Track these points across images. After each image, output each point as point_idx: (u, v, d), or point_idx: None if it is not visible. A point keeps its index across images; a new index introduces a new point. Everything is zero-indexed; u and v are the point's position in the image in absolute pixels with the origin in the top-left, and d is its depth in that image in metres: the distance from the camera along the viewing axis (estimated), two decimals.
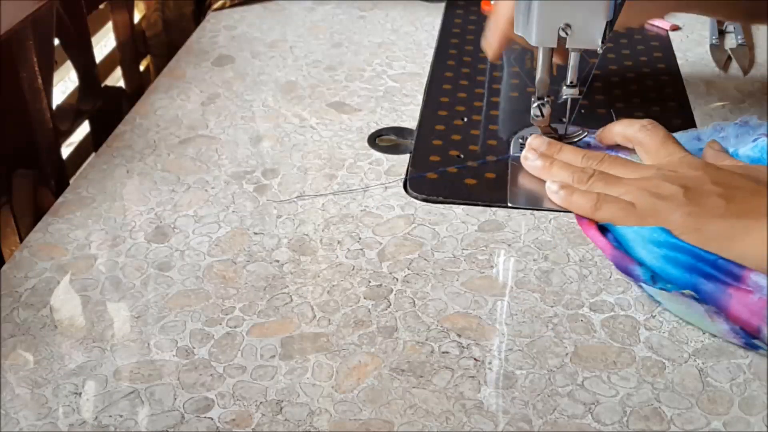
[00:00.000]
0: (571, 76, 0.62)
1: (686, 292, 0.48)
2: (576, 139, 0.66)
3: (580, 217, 0.57)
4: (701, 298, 0.49)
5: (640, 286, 0.52)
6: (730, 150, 0.60)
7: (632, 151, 0.62)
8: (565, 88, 0.63)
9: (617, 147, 0.63)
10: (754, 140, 0.59)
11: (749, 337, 0.47)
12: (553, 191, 0.59)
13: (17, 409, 0.45)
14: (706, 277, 0.49)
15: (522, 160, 0.63)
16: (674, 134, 0.63)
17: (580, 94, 0.62)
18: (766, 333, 0.47)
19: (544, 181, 0.61)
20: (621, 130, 0.62)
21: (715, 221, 0.51)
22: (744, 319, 0.48)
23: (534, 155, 0.62)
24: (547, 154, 0.62)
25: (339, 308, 0.52)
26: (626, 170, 0.58)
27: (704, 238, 0.51)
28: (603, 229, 0.56)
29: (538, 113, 0.64)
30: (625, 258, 0.52)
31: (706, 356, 0.48)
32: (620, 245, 0.54)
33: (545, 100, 0.64)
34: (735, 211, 0.51)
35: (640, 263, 0.52)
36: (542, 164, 0.62)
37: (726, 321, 0.47)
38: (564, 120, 0.66)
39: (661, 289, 0.50)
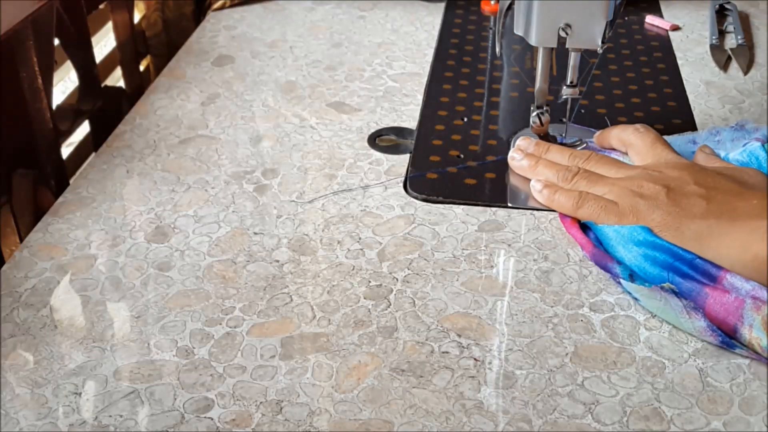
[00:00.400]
0: (571, 76, 0.62)
1: (666, 285, 0.49)
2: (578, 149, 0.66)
3: (563, 216, 0.58)
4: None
5: (619, 284, 0.52)
6: (723, 154, 0.60)
7: (626, 154, 0.63)
8: (564, 87, 0.63)
9: (612, 150, 0.64)
10: (744, 145, 0.60)
11: (726, 336, 0.47)
12: (536, 190, 0.60)
13: (17, 409, 0.45)
14: (683, 276, 0.50)
15: (509, 161, 0.64)
16: (670, 137, 0.63)
17: (579, 94, 0.63)
18: (742, 332, 0.47)
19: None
20: (616, 133, 0.63)
21: (694, 221, 0.52)
22: (720, 319, 0.48)
23: (520, 155, 0.63)
24: (533, 153, 0.63)
25: (339, 308, 0.52)
26: (611, 169, 0.59)
27: (683, 236, 0.52)
28: (585, 228, 0.57)
29: (537, 122, 0.65)
30: (605, 256, 0.53)
31: (706, 356, 0.48)
32: (601, 244, 0.55)
33: (544, 109, 0.64)
34: (715, 212, 0.52)
35: (619, 262, 0.52)
36: (528, 163, 0.62)
37: (703, 317, 0.48)
38: (564, 120, 0.66)
39: (641, 284, 0.50)
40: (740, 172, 0.56)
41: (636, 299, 0.51)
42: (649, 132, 0.61)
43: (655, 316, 0.51)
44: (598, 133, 0.65)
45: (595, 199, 0.56)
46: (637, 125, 0.62)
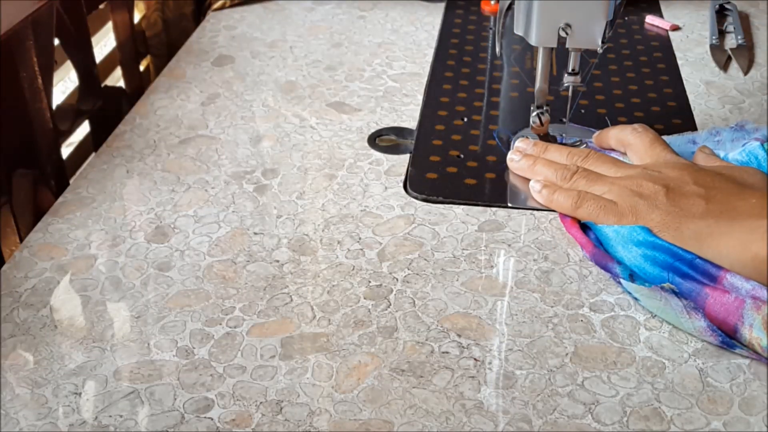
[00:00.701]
0: (572, 63, 0.62)
1: (666, 285, 0.49)
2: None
3: (563, 216, 0.58)
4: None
5: (619, 284, 0.52)
6: (723, 154, 0.60)
7: (625, 155, 0.63)
8: (566, 75, 0.62)
9: (611, 150, 0.64)
10: (743, 145, 0.60)
11: (726, 336, 0.47)
12: (536, 191, 0.60)
13: (17, 409, 0.45)
14: (683, 276, 0.50)
15: (508, 162, 0.64)
16: (670, 137, 0.63)
17: (582, 82, 0.62)
18: (742, 332, 0.47)
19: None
20: (615, 133, 0.63)
21: (694, 221, 0.52)
22: (721, 319, 0.48)
23: (519, 156, 0.63)
24: (532, 153, 0.63)
25: (339, 308, 0.52)
26: (610, 168, 0.59)
27: (683, 236, 0.52)
28: (585, 228, 0.57)
29: (537, 122, 0.65)
30: (605, 256, 0.53)
31: (706, 356, 0.48)
32: (601, 244, 0.55)
33: (544, 109, 0.64)
34: (714, 212, 0.52)
35: (619, 262, 0.53)
36: (527, 164, 0.62)
37: (703, 317, 0.48)
38: (564, 120, 0.66)
39: (641, 284, 0.50)
40: (739, 171, 0.56)
41: (636, 299, 0.51)
42: (648, 132, 0.61)
43: (655, 316, 0.51)
44: (597, 133, 0.65)
45: (594, 198, 0.56)
46: (636, 125, 0.62)
